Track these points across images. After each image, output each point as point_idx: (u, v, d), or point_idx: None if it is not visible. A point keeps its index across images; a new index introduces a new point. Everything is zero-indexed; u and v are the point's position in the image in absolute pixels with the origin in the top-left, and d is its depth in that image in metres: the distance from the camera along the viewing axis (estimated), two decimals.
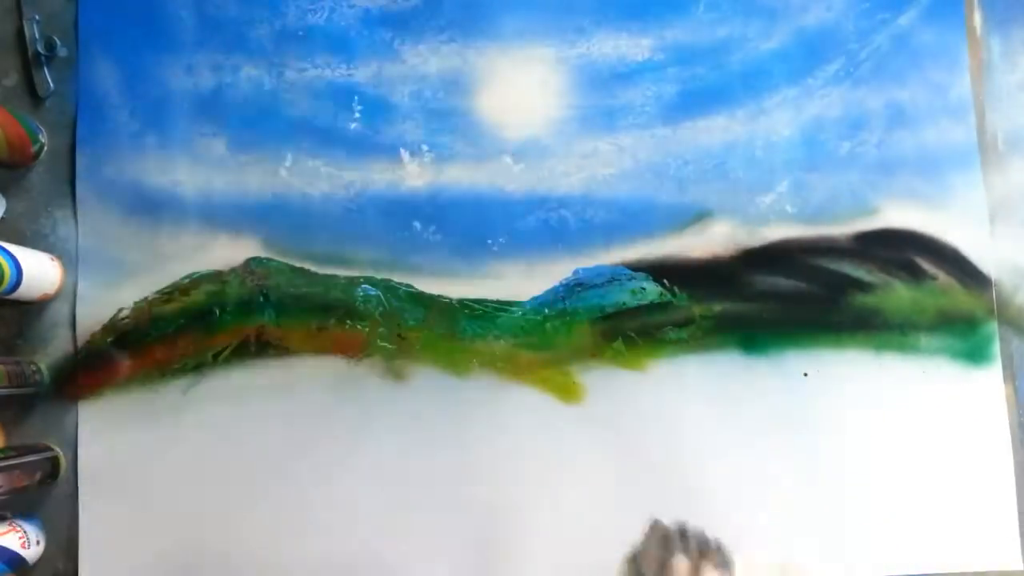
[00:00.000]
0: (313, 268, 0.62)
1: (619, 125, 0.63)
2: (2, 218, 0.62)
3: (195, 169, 0.63)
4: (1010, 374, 0.62)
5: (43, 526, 0.61)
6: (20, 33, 0.64)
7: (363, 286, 0.62)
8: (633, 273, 0.62)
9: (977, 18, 0.64)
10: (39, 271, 0.59)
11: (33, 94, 0.64)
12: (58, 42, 0.63)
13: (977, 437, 0.61)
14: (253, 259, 0.63)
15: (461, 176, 0.63)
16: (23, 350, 0.62)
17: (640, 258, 0.62)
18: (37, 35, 0.63)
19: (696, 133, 0.63)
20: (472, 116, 0.64)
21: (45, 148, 0.63)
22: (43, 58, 0.63)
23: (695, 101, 0.64)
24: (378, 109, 0.63)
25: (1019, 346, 0.62)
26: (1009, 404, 0.61)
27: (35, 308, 0.62)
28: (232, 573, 0.60)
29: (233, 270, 0.62)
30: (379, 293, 0.62)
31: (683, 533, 0.56)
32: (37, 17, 0.63)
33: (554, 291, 0.62)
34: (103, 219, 0.63)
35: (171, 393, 0.62)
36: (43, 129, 0.63)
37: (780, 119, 0.63)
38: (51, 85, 0.63)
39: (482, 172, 0.63)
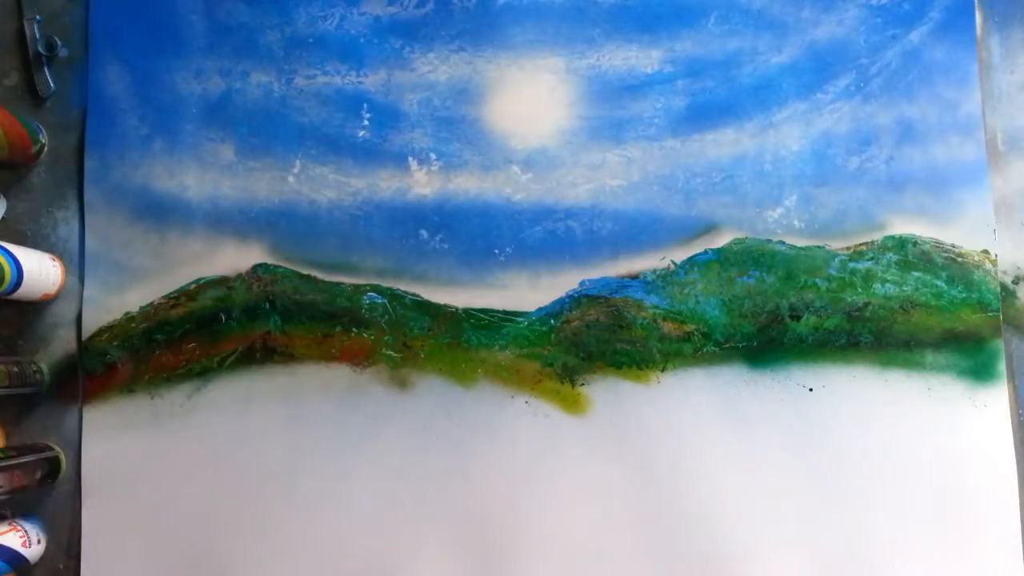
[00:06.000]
0: (319, 275, 0.63)
1: (628, 136, 0.63)
2: (3, 218, 0.62)
3: (203, 174, 0.63)
4: (1011, 373, 0.62)
5: (43, 526, 0.61)
6: (20, 33, 0.64)
7: (369, 294, 0.62)
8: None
9: (977, 19, 0.64)
10: (40, 271, 0.59)
11: (34, 94, 0.64)
12: (59, 42, 0.63)
13: (981, 455, 0.61)
14: (260, 265, 0.63)
15: (469, 185, 0.63)
16: (24, 350, 0.62)
17: (646, 270, 0.62)
18: (38, 35, 0.63)
19: (705, 146, 0.63)
20: (481, 125, 0.64)
21: (46, 148, 0.64)
22: (44, 58, 0.63)
23: (704, 114, 0.63)
24: (387, 117, 0.64)
25: (1019, 345, 0.62)
26: (1011, 405, 0.61)
27: (36, 308, 0.62)
28: None
29: (240, 276, 0.63)
30: (385, 301, 0.62)
31: None
32: (38, 17, 0.64)
33: (560, 302, 0.62)
34: (110, 223, 0.63)
35: (176, 398, 0.62)
36: (43, 129, 0.63)
37: (789, 133, 0.63)
38: (52, 85, 0.64)
39: (490, 181, 0.63)
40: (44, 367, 0.62)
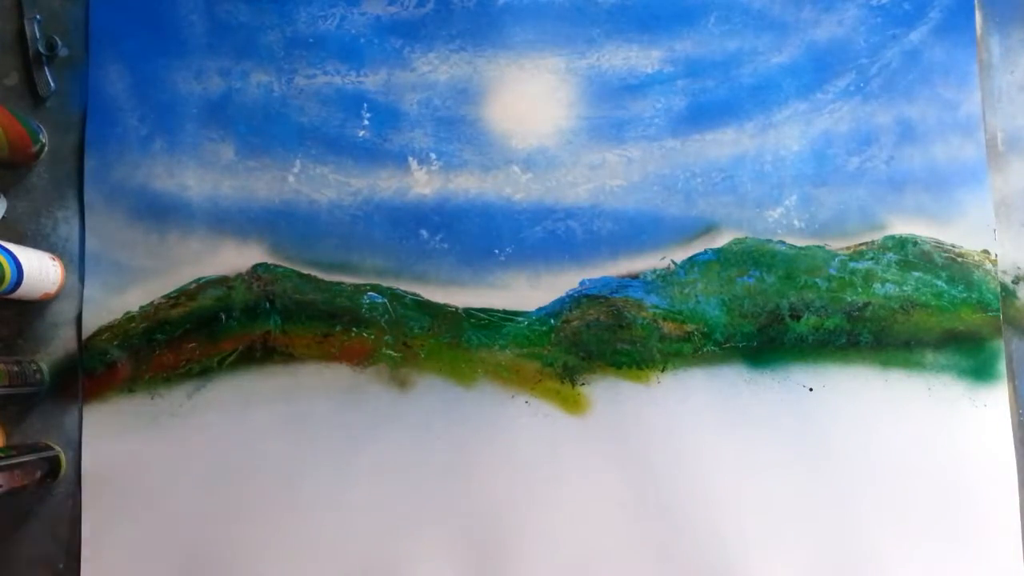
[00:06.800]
0: (319, 275, 0.63)
1: (628, 136, 0.63)
2: (3, 218, 0.63)
3: (203, 174, 0.63)
4: (1011, 373, 0.62)
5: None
6: (21, 33, 0.64)
7: (369, 294, 0.62)
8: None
9: (977, 18, 0.64)
10: (40, 271, 0.59)
11: (34, 94, 0.64)
12: (59, 42, 0.63)
13: (981, 455, 0.61)
14: (260, 265, 0.63)
15: (469, 185, 0.63)
16: (24, 349, 0.62)
17: (646, 270, 0.62)
18: (38, 35, 0.63)
19: (705, 146, 0.63)
20: (481, 125, 0.64)
21: (46, 148, 0.64)
22: (44, 58, 0.63)
23: (704, 114, 0.64)
24: (387, 117, 0.64)
25: (1019, 345, 0.62)
26: (1011, 405, 0.61)
27: (36, 307, 0.62)
28: None
29: (240, 276, 0.63)
30: (385, 301, 0.62)
31: None
32: (38, 16, 0.64)
33: (560, 302, 0.62)
34: (110, 223, 0.63)
35: (176, 398, 0.62)
36: (44, 129, 0.63)
37: (789, 133, 0.63)
38: (52, 85, 0.64)
39: (490, 181, 0.63)
40: (44, 367, 0.62)
